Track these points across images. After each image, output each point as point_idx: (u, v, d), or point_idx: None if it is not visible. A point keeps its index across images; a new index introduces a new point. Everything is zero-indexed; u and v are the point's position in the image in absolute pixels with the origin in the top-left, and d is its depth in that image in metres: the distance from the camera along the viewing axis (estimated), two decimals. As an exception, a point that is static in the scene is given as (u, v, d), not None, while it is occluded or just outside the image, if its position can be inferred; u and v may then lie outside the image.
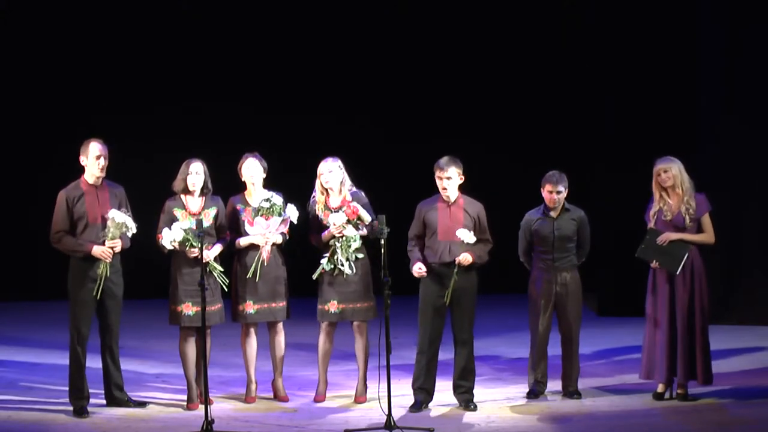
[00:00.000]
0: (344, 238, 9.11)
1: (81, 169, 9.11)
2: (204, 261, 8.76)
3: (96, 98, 14.70)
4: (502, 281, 13.06)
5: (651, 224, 9.17)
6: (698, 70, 12.92)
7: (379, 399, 8.55)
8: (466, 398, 9.00)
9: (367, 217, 9.14)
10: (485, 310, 11.33)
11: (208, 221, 9.10)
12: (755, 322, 12.41)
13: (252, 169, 9.30)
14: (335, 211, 9.16)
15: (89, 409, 9.00)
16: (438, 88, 14.95)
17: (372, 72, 14.92)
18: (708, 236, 9.12)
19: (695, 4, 12.93)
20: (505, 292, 13.30)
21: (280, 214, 9.20)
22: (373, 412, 8.77)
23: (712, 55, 12.83)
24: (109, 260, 8.96)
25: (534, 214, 9.33)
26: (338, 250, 9.13)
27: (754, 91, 12.61)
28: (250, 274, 9.20)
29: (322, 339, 9.32)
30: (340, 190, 9.25)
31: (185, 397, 9.22)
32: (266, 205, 9.19)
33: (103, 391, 9.18)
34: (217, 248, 9.18)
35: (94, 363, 9.25)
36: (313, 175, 9.31)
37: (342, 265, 9.13)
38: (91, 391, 9.09)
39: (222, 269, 9.19)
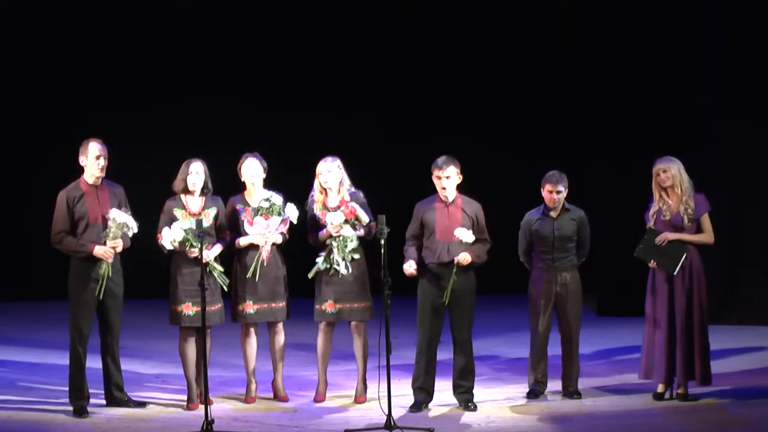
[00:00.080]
0: (341, 237, 9.11)
1: (80, 169, 9.11)
2: (204, 261, 8.76)
3: (96, 98, 14.70)
4: (502, 281, 13.06)
5: (650, 224, 9.17)
6: (698, 70, 12.92)
7: (379, 399, 8.55)
8: (465, 398, 9.00)
9: (364, 218, 9.14)
10: (485, 310, 11.33)
11: (208, 221, 9.10)
12: (755, 322, 12.41)
13: (252, 169, 9.30)
14: (333, 211, 9.16)
15: (89, 409, 9.00)
16: (438, 88, 14.94)
17: (372, 72, 14.92)
18: (707, 236, 9.12)
19: (695, 4, 12.93)
20: (505, 292, 13.30)
21: (279, 214, 9.20)
22: (373, 412, 8.77)
23: (712, 55, 12.83)
24: (110, 260, 8.96)
25: (534, 214, 9.33)
26: (335, 250, 9.13)
27: (754, 91, 12.61)
28: (249, 274, 9.20)
29: (320, 339, 9.32)
30: (339, 190, 9.25)
31: (185, 397, 9.22)
32: (266, 204, 9.19)
33: (103, 392, 9.18)
34: (217, 248, 9.18)
35: (94, 363, 9.24)
36: (313, 175, 9.31)
37: (338, 264, 9.13)
38: (91, 391, 9.09)
39: (222, 269, 9.19)
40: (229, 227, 9.27)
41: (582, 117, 14.60)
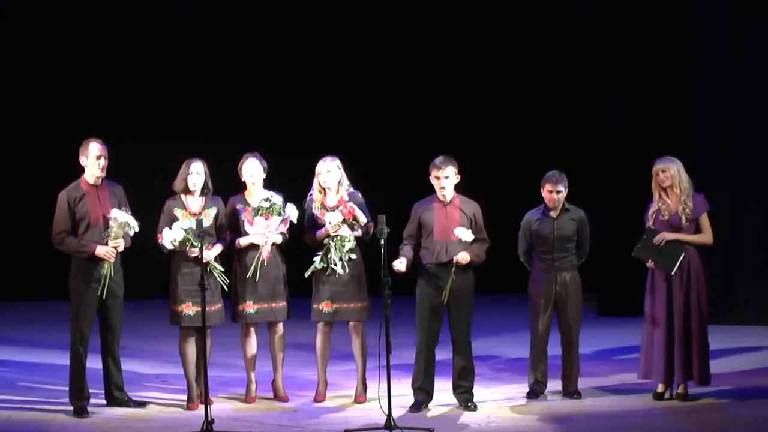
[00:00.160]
0: (339, 237, 9.11)
1: (81, 170, 9.11)
2: (204, 261, 8.76)
3: (96, 98, 14.70)
4: (502, 281, 13.06)
5: (649, 224, 9.17)
6: (698, 70, 12.92)
7: (379, 399, 8.55)
8: (465, 398, 9.00)
9: (362, 218, 9.14)
10: (485, 310, 11.34)
11: (208, 221, 9.11)
12: (755, 322, 12.41)
13: (252, 169, 9.30)
14: (331, 210, 9.17)
15: (89, 409, 9.00)
16: (438, 88, 14.94)
17: (372, 72, 14.92)
18: (705, 236, 9.11)
19: (695, 4, 12.93)
20: (504, 292, 13.31)
21: (279, 214, 9.20)
22: (373, 412, 8.77)
23: (712, 55, 12.83)
24: (113, 260, 8.96)
25: (534, 214, 9.33)
26: (332, 249, 9.13)
27: (754, 91, 12.61)
28: (250, 274, 9.20)
29: (319, 339, 9.32)
30: (338, 190, 9.26)
31: (185, 397, 9.22)
32: (266, 204, 9.19)
33: (103, 392, 9.18)
34: (217, 248, 9.19)
35: (94, 363, 9.24)
36: (312, 175, 9.31)
37: (335, 264, 9.13)
38: (90, 391, 9.09)
39: (222, 269, 9.19)
40: (229, 227, 9.27)
41: (582, 117, 14.59)
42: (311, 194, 9.32)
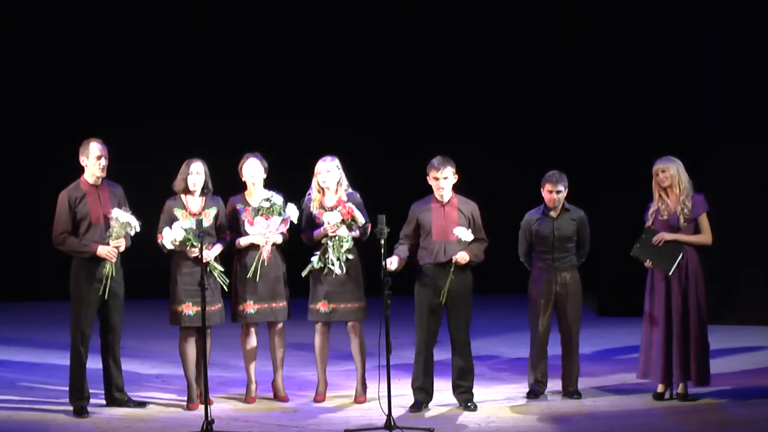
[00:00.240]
0: (337, 237, 9.11)
1: (81, 170, 9.10)
2: (204, 261, 8.76)
3: (96, 98, 14.71)
4: (502, 281, 13.07)
5: (648, 223, 9.18)
6: (698, 70, 12.92)
7: (379, 399, 8.55)
8: (465, 398, 9.00)
9: (361, 219, 9.14)
10: (484, 310, 11.36)
11: (208, 221, 9.11)
12: (755, 322, 12.41)
13: (253, 169, 9.30)
14: (330, 210, 9.17)
15: (89, 409, 9.00)
16: (438, 88, 14.95)
17: (372, 72, 14.93)
18: (704, 237, 9.10)
19: (695, 4, 12.93)
20: (505, 292, 13.32)
21: (280, 214, 9.21)
22: (373, 412, 8.77)
23: (712, 55, 12.83)
24: (114, 260, 8.96)
25: (534, 214, 9.33)
26: (330, 249, 9.13)
27: (754, 91, 12.61)
28: (250, 274, 9.20)
29: (317, 339, 9.32)
30: (337, 190, 9.25)
31: (185, 397, 9.22)
32: (266, 204, 9.19)
33: (103, 392, 9.18)
34: (217, 248, 9.19)
35: (93, 363, 9.24)
36: (312, 176, 9.30)
37: (333, 264, 9.13)
38: (90, 391, 9.09)
39: (222, 269, 9.19)
40: (229, 227, 9.27)
41: (582, 117, 14.60)
42: (309, 193, 9.32)
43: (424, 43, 14.92)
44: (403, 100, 14.96)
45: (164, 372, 10.51)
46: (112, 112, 14.48)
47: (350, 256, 9.18)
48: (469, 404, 8.97)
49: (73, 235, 8.98)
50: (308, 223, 9.26)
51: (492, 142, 14.77)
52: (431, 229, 8.95)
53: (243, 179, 9.36)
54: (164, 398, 9.49)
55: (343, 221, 9.09)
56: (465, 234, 8.83)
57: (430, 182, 9.00)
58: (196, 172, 9.16)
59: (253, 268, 9.19)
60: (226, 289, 9.27)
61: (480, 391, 9.20)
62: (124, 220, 8.92)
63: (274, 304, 9.25)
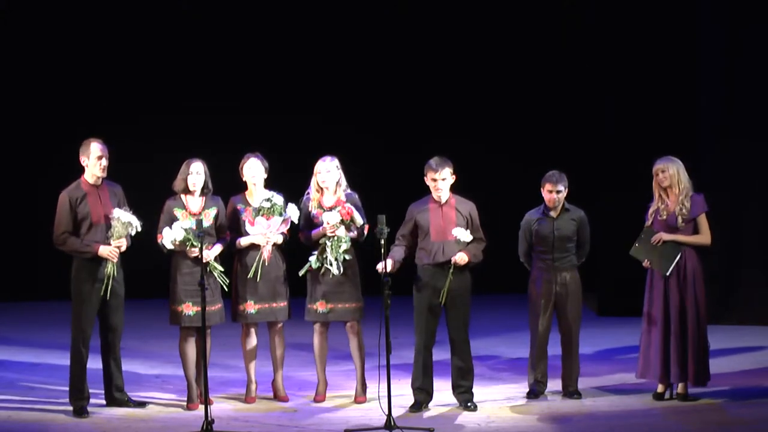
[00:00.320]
0: (336, 237, 9.11)
1: (80, 169, 9.10)
2: (204, 261, 8.76)
3: (96, 98, 14.71)
4: (502, 281, 13.07)
5: (648, 223, 9.18)
6: (698, 70, 12.92)
7: (379, 399, 8.55)
8: (465, 398, 9.00)
9: (359, 220, 9.14)
10: (484, 310, 11.36)
11: (208, 221, 9.11)
12: (755, 322, 12.41)
13: (254, 169, 9.30)
14: (329, 210, 9.17)
15: (89, 409, 9.00)
16: (438, 88, 14.95)
17: (372, 72, 14.93)
18: (703, 237, 9.09)
19: (695, 4, 12.93)
20: (505, 292, 13.31)
21: (280, 214, 9.21)
22: (373, 412, 8.77)
23: (712, 55, 12.83)
24: (116, 260, 8.96)
25: (534, 214, 9.33)
26: (328, 249, 9.12)
27: (754, 91, 12.61)
28: (250, 274, 9.20)
29: (316, 340, 9.32)
30: (335, 190, 9.26)
31: (185, 397, 9.22)
32: (267, 204, 9.20)
33: (102, 392, 9.18)
34: (217, 248, 9.19)
35: (93, 363, 9.24)
36: (312, 176, 9.30)
37: (330, 264, 9.13)
38: (90, 391, 9.09)
39: (222, 269, 9.19)
40: (229, 227, 9.27)
41: (582, 117, 14.60)
42: (308, 193, 9.33)
43: (423, 43, 14.92)
44: (403, 100, 14.96)
45: (164, 372, 10.51)
46: (112, 112, 14.48)
47: (348, 257, 9.18)
48: (469, 404, 8.97)
49: (74, 235, 8.97)
50: (306, 222, 9.26)
51: (492, 142, 14.77)
52: (429, 229, 8.95)
53: (244, 179, 9.36)
54: (164, 398, 9.49)
55: (342, 221, 9.09)
56: (463, 235, 8.83)
57: (427, 183, 8.99)
58: (196, 172, 9.16)
59: (253, 268, 9.19)
60: (226, 289, 9.27)
61: (480, 391, 9.20)
62: (125, 220, 8.92)
63: (274, 304, 9.25)
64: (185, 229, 8.97)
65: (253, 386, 9.38)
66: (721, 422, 8.51)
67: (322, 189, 9.27)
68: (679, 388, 9.10)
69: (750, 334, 11.88)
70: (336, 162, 9.28)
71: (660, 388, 9.15)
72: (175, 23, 14.88)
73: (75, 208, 8.97)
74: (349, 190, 9.31)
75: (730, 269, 12.61)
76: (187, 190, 9.19)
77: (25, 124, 14.84)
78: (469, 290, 8.99)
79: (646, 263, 9.14)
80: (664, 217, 9.09)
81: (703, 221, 9.09)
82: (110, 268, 8.95)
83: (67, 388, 9.09)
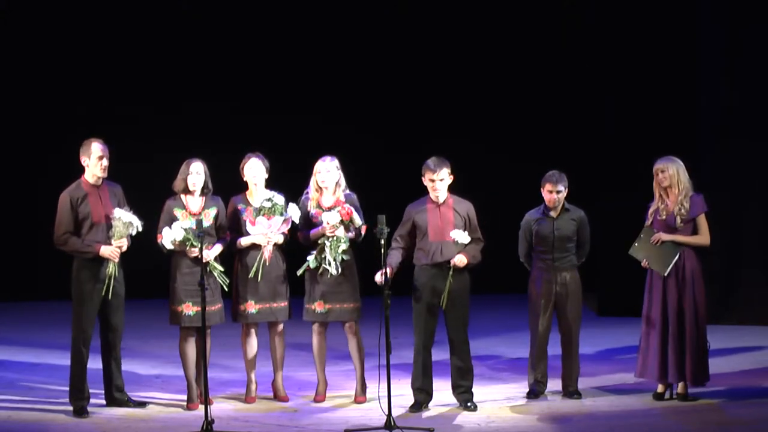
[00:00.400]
0: (335, 237, 9.11)
1: (80, 169, 9.10)
2: (204, 261, 8.76)
3: (96, 98, 14.71)
4: (502, 281, 13.07)
5: (648, 223, 9.18)
6: (698, 70, 12.92)
7: (379, 399, 8.55)
8: (465, 398, 9.00)
9: (358, 221, 9.14)
10: (484, 310, 11.36)
11: (208, 221, 9.11)
12: (755, 322, 12.41)
13: (255, 169, 9.31)
14: (327, 210, 9.17)
15: (89, 409, 9.00)
16: (438, 88, 14.95)
17: (372, 72, 14.93)
18: (702, 238, 9.08)
19: (695, 4, 12.93)
20: (505, 292, 13.31)
21: (281, 214, 9.21)
22: (373, 412, 8.77)
23: (712, 55, 12.83)
24: (117, 260, 8.96)
25: (534, 214, 9.33)
26: (327, 249, 9.12)
27: (754, 91, 12.61)
28: (251, 274, 9.20)
29: (315, 340, 9.33)
30: (335, 190, 9.26)
31: (185, 397, 9.22)
32: (268, 204, 9.20)
33: (102, 392, 9.18)
34: (217, 248, 9.19)
35: (93, 363, 9.24)
36: (312, 175, 9.31)
37: (329, 264, 9.13)
38: (90, 391, 9.09)
39: (222, 269, 9.19)
40: (230, 227, 9.27)
41: (582, 117, 14.60)
42: (307, 192, 9.33)
43: (423, 43, 14.92)
44: (403, 100, 14.96)
45: (164, 372, 10.51)
46: (112, 112, 14.48)
47: (346, 257, 9.18)
48: (469, 404, 8.97)
49: (75, 235, 8.97)
50: (304, 222, 9.26)
51: (492, 142, 14.77)
52: (427, 229, 8.94)
53: (245, 179, 9.36)
54: (164, 398, 9.49)
55: (342, 221, 9.09)
56: (462, 237, 8.83)
57: (425, 183, 8.99)
58: (196, 172, 9.16)
59: (254, 268, 9.19)
60: (226, 289, 9.27)
61: (480, 391, 9.20)
62: (126, 220, 8.92)
63: (275, 304, 9.25)
64: (185, 229, 8.97)
65: (253, 386, 9.38)
66: (720, 422, 8.51)
67: (321, 189, 9.27)
68: (679, 388, 9.10)
69: (750, 334, 11.88)
70: (336, 162, 9.28)
71: (660, 388, 9.15)
72: (175, 23, 14.88)
73: (76, 208, 8.97)
74: (347, 191, 9.32)
75: (730, 269, 12.61)
76: (187, 190, 9.19)
77: (25, 125, 14.84)
78: (468, 290, 8.99)
79: (644, 263, 9.14)
80: (664, 217, 9.09)
81: (702, 222, 9.08)
82: (111, 268, 8.95)
83: (67, 388, 9.09)
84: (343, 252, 9.15)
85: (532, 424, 8.55)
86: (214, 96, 14.76)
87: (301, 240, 9.29)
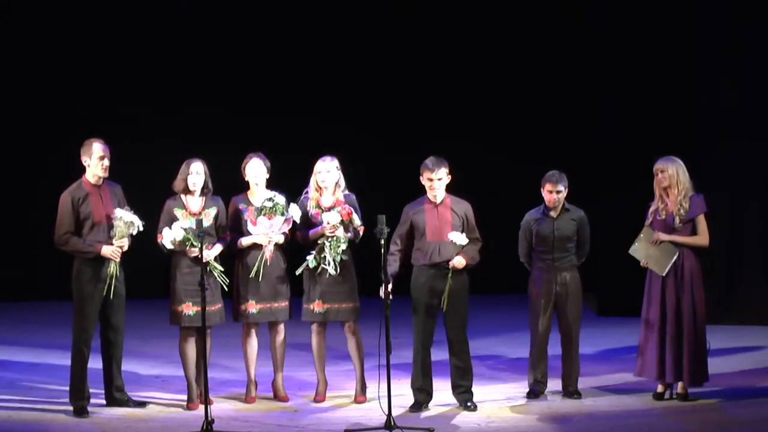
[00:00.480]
0: (334, 237, 9.11)
1: (80, 169, 9.10)
2: (204, 261, 8.76)
3: (95, 98, 14.71)
4: (502, 281, 13.07)
5: (647, 222, 9.18)
6: (698, 70, 12.92)
7: (379, 399, 8.55)
8: (465, 398, 9.00)
9: (357, 222, 9.15)
10: (484, 310, 11.35)
11: (208, 221, 9.11)
12: (755, 322, 12.41)
13: (256, 169, 9.31)
14: (327, 210, 9.17)
15: (89, 409, 9.00)
16: (438, 88, 14.95)
17: (372, 72, 14.93)
18: (701, 238, 9.08)
19: (695, 4, 12.93)
20: (505, 292, 13.31)
21: (282, 214, 9.21)
22: (373, 412, 8.77)
23: (712, 55, 12.83)
24: (118, 260, 8.96)
25: (534, 214, 9.33)
26: (326, 249, 9.12)
27: (754, 91, 12.61)
28: (252, 274, 9.20)
29: (314, 340, 9.33)
30: (334, 191, 9.26)
31: (185, 397, 9.22)
32: (269, 204, 9.20)
33: (102, 392, 9.18)
34: (218, 248, 9.19)
35: (93, 363, 9.24)
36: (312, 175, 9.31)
37: (328, 264, 9.13)
38: (90, 391, 9.09)
39: (222, 269, 9.19)
40: (231, 227, 9.28)
41: (582, 117, 14.60)
42: (306, 192, 9.33)
43: (423, 43, 14.92)
44: (403, 100, 14.96)
45: (164, 372, 10.51)
46: (112, 112, 14.48)
47: (345, 257, 9.18)
48: (468, 404, 8.97)
49: (76, 235, 8.97)
50: (304, 222, 9.26)
51: (492, 142, 14.77)
52: (425, 230, 8.95)
53: (246, 179, 9.36)
54: (164, 398, 9.49)
55: (341, 222, 9.10)
56: (459, 238, 8.83)
57: (423, 183, 8.99)
58: (196, 172, 9.17)
59: (255, 268, 9.19)
60: (226, 289, 9.27)
61: (480, 391, 9.20)
62: (128, 220, 8.93)
63: (275, 304, 9.25)
64: (185, 229, 8.98)
65: (253, 386, 9.38)
66: (720, 422, 8.52)
67: (321, 189, 9.27)
68: (679, 388, 9.10)
69: (750, 334, 11.88)
70: (336, 162, 9.28)
71: (660, 388, 9.15)
72: (175, 23, 14.88)
73: (77, 208, 8.97)
74: (347, 191, 9.32)
75: (730, 269, 12.61)
76: (187, 190, 9.20)
77: (25, 125, 14.84)
78: (467, 291, 8.99)
79: (643, 263, 9.14)
80: (663, 217, 9.09)
81: (701, 222, 9.08)
82: (113, 268, 8.96)
83: (67, 388, 9.09)
84: (342, 252, 9.16)
85: (532, 424, 8.56)
86: (214, 96, 14.76)
87: (299, 240, 9.29)
